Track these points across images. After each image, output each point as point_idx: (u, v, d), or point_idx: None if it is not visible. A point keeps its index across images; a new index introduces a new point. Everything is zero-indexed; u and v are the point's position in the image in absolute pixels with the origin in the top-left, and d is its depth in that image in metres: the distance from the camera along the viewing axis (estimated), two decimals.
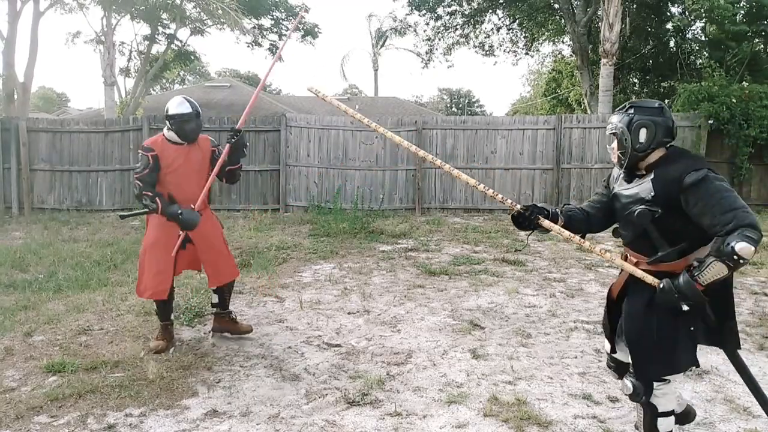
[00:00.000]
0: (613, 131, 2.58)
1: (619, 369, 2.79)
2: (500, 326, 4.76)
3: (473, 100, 58.00)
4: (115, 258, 7.15)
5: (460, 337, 4.50)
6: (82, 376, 3.72)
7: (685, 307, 2.34)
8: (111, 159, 11.67)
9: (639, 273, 2.49)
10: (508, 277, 6.40)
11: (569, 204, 2.87)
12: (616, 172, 2.71)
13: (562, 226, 2.72)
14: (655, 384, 2.54)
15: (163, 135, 4.29)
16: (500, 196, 2.82)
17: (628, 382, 2.60)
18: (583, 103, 19.20)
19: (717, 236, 2.31)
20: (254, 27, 21.92)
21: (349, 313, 5.13)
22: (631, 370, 2.62)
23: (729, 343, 2.54)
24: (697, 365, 2.58)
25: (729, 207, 2.30)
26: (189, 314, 4.96)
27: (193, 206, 4.13)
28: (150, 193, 4.04)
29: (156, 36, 19.55)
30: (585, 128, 11.55)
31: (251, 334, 4.54)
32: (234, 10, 17.10)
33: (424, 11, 20.38)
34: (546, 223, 2.68)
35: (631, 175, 2.60)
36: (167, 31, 19.93)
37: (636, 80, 20.44)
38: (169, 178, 4.14)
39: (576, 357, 4.09)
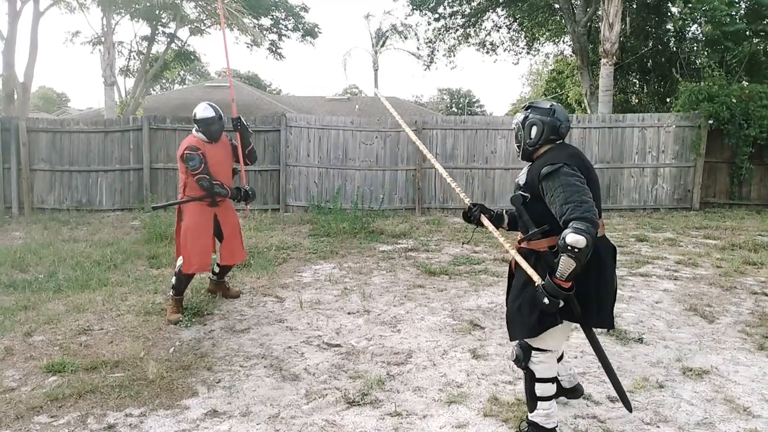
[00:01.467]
0: (514, 126, 3.00)
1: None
2: (500, 326, 4.76)
3: (473, 100, 58.01)
4: (115, 258, 7.15)
5: (460, 337, 4.50)
6: (82, 376, 3.72)
7: (546, 301, 2.58)
8: (111, 159, 11.66)
9: (528, 269, 2.76)
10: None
11: None
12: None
13: (507, 223, 3.17)
14: (534, 353, 2.85)
15: (195, 136, 4.99)
16: (459, 190, 3.20)
17: (512, 350, 2.96)
18: (583, 103, 19.20)
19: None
20: (254, 27, 21.91)
21: (349, 313, 5.13)
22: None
23: (587, 320, 2.81)
24: (557, 324, 2.77)
25: (566, 200, 2.58)
26: (189, 313, 4.96)
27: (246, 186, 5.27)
28: (218, 182, 4.90)
29: (156, 36, 19.55)
30: (585, 128, 11.54)
31: (251, 332, 4.57)
32: (238, 11, 17.11)
33: (425, 11, 20.37)
34: (485, 221, 3.05)
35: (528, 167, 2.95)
36: (167, 31, 19.94)
37: (636, 80, 20.42)
38: (209, 170, 4.90)
39: (576, 357, 4.09)
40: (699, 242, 8.32)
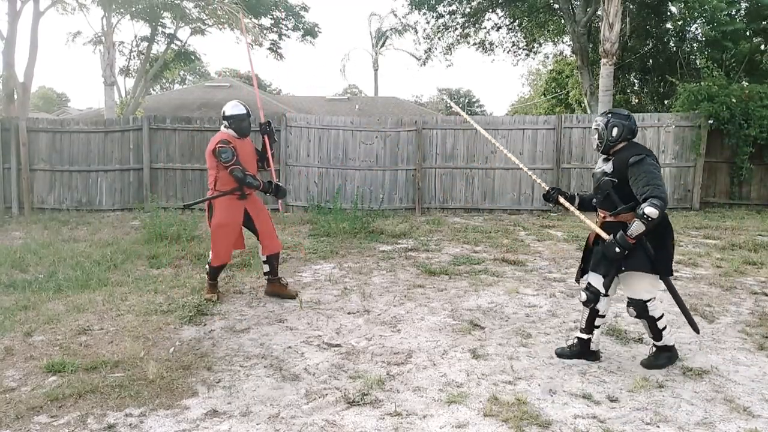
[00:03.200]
0: (596, 127, 3.88)
1: (593, 299, 3.93)
2: (500, 326, 4.76)
3: (473, 99, 58.01)
4: (115, 258, 7.15)
5: (460, 337, 4.50)
6: (82, 376, 3.72)
7: (618, 249, 3.58)
8: (111, 159, 11.67)
9: (599, 231, 3.76)
10: (508, 277, 6.40)
11: (585, 192, 4.39)
12: (598, 160, 3.99)
13: (578, 204, 4.08)
14: (647, 304, 3.76)
15: (226, 132, 5.24)
16: (534, 176, 4.38)
17: (632, 310, 3.81)
18: (583, 103, 19.20)
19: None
20: (254, 26, 21.90)
21: (349, 313, 5.13)
22: (628, 299, 3.84)
23: (661, 269, 3.70)
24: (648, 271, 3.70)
25: (648, 182, 3.52)
26: (190, 312, 4.96)
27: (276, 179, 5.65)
28: (250, 173, 5.18)
29: (156, 36, 19.54)
30: (585, 128, 11.53)
31: (251, 332, 4.57)
32: (237, 12, 17.09)
33: (424, 10, 20.36)
34: (562, 200, 4.04)
35: (605, 159, 3.88)
36: (167, 31, 19.93)
37: (636, 80, 20.42)
38: (239, 159, 5.15)
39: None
40: (699, 242, 8.32)
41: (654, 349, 3.90)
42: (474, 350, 4.20)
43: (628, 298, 3.81)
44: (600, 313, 3.91)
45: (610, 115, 3.84)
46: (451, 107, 5.27)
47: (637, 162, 3.58)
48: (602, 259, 3.77)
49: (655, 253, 3.63)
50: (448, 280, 6.26)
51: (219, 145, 5.06)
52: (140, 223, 9.63)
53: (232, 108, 5.29)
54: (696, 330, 3.91)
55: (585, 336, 3.97)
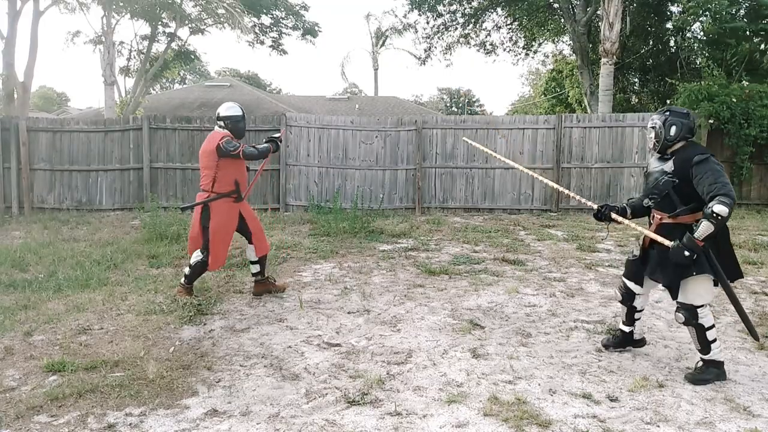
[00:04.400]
0: (653, 125, 3.70)
1: (628, 298, 3.99)
2: (500, 326, 4.76)
3: (473, 99, 57.99)
4: (115, 258, 7.15)
5: (460, 336, 4.50)
6: (82, 376, 3.72)
7: (687, 253, 3.37)
8: (111, 158, 11.66)
9: (660, 239, 3.56)
10: (508, 276, 6.40)
11: (632, 198, 4.14)
12: (651, 160, 3.86)
13: (630, 214, 3.93)
14: (698, 310, 3.56)
15: (222, 132, 5.26)
16: (579, 197, 4.29)
17: (680, 315, 3.62)
18: (584, 103, 19.20)
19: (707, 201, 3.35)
20: (254, 26, 21.90)
21: (349, 313, 5.13)
22: (678, 303, 3.66)
23: (722, 273, 3.49)
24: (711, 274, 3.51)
25: (714, 180, 3.37)
26: (190, 312, 4.96)
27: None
28: (264, 145, 5.39)
29: (156, 35, 19.53)
30: (585, 128, 11.53)
31: (251, 332, 4.57)
32: (235, 9, 17.09)
33: (424, 10, 20.36)
34: (616, 216, 3.88)
35: (660, 159, 3.73)
36: (167, 31, 19.93)
37: (636, 80, 20.43)
38: (236, 165, 5.24)
39: (576, 357, 4.09)
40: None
41: (701, 363, 3.68)
42: (474, 350, 4.20)
43: (678, 302, 3.64)
44: (638, 309, 3.96)
45: (668, 113, 3.67)
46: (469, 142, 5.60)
47: (703, 161, 3.46)
48: (662, 265, 3.62)
49: (718, 256, 3.49)
50: (448, 280, 6.26)
51: (224, 140, 5.10)
52: (140, 222, 9.62)
53: (228, 109, 5.30)
54: (756, 337, 3.77)
55: (627, 329, 4.06)
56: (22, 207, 11.41)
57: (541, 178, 4.26)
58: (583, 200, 4.05)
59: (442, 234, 9.06)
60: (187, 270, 5.39)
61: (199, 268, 5.32)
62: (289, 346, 4.31)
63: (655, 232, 3.65)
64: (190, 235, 5.44)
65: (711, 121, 11.21)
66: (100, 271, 6.47)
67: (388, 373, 3.79)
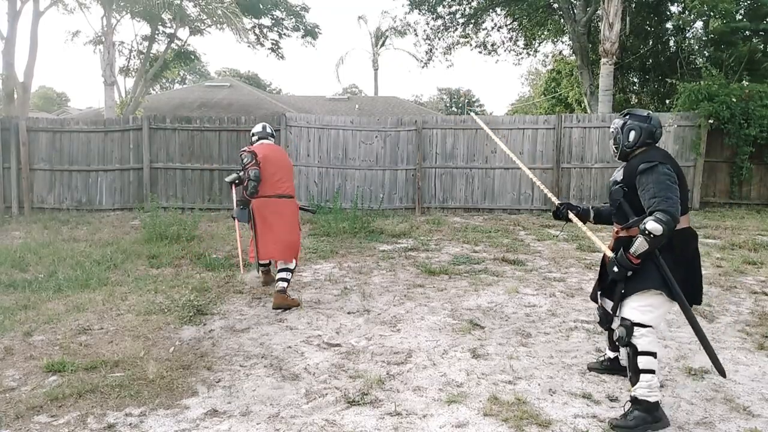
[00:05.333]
0: (612, 130, 3.45)
1: (605, 318, 3.51)
2: (500, 326, 4.76)
3: (473, 99, 57.98)
4: (115, 258, 7.15)
5: (460, 336, 4.50)
6: (82, 376, 3.72)
7: (615, 269, 3.14)
8: (111, 158, 11.67)
9: (602, 246, 3.35)
10: (508, 276, 6.40)
11: (607, 202, 3.63)
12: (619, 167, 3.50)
13: (593, 218, 3.68)
14: (636, 328, 3.13)
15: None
16: (547, 190, 3.94)
17: (617, 331, 3.22)
18: (583, 103, 19.20)
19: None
20: (254, 26, 21.88)
21: (349, 313, 5.13)
22: (617, 317, 3.29)
23: (678, 292, 3.12)
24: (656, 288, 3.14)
25: (654, 194, 3.03)
26: (190, 312, 4.96)
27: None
28: (256, 175, 5.43)
29: (156, 35, 19.52)
30: (585, 128, 11.54)
31: (251, 332, 4.58)
32: (233, 13, 17.09)
33: (424, 10, 20.35)
34: (572, 217, 3.60)
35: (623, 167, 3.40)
36: (167, 31, 19.92)
37: (636, 80, 20.43)
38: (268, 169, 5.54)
39: (576, 357, 4.09)
40: (699, 242, 8.31)
41: (628, 404, 3.14)
42: (474, 350, 4.20)
43: (621, 316, 3.23)
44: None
45: (627, 117, 3.38)
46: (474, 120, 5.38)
47: (647, 170, 3.10)
48: (610, 280, 3.30)
49: (681, 277, 3.12)
50: (448, 280, 6.26)
51: (241, 151, 5.57)
52: (140, 222, 9.62)
53: (260, 129, 5.92)
54: (722, 374, 3.14)
55: (612, 354, 3.71)
56: (22, 207, 11.41)
57: (535, 179, 4.07)
58: (550, 194, 3.86)
59: (442, 234, 9.06)
60: (288, 275, 5.39)
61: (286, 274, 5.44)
62: (289, 346, 4.31)
63: (613, 244, 3.35)
64: (290, 240, 5.43)
65: (711, 121, 11.21)
66: (100, 271, 6.47)
67: (388, 373, 3.79)
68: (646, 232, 2.96)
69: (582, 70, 18.04)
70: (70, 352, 4.15)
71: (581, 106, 20.79)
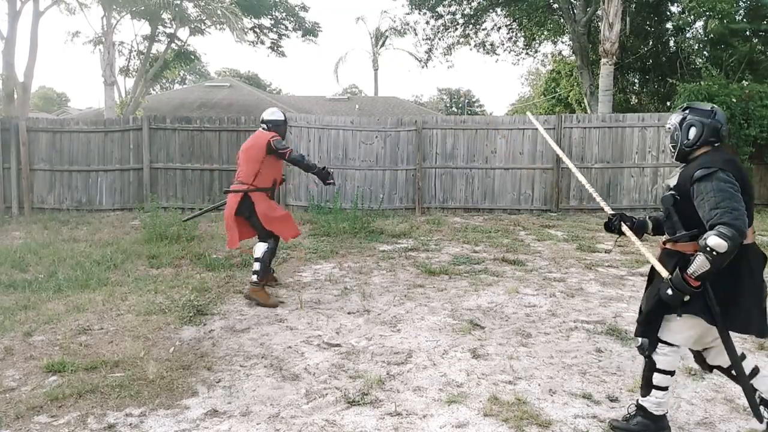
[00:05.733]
0: (669, 127, 2.99)
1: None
2: (500, 326, 4.76)
3: (473, 99, 57.99)
4: (115, 258, 7.15)
5: (460, 336, 4.50)
6: (82, 376, 3.72)
7: (670, 292, 2.68)
8: (111, 159, 11.66)
9: (656, 264, 2.86)
10: (508, 276, 6.40)
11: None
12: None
13: (651, 229, 3.16)
14: (659, 344, 2.87)
15: (271, 133, 5.56)
16: (599, 198, 3.42)
17: (639, 339, 2.97)
18: (583, 103, 19.20)
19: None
20: (253, 27, 21.89)
21: (349, 313, 5.13)
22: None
23: (723, 323, 2.72)
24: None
25: (716, 204, 2.60)
26: (190, 312, 4.96)
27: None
28: (313, 162, 5.73)
29: (156, 35, 19.52)
30: (585, 128, 11.54)
31: (251, 332, 4.58)
32: (233, 13, 17.10)
33: (424, 10, 20.36)
34: (626, 230, 3.10)
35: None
36: (167, 31, 19.92)
37: (636, 80, 20.43)
38: (278, 165, 5.65)
39: (576, 357, 4.09)
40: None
41: (633, 406, 3.05)
42: (474, 350, 4.20)
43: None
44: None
45: (687, 111, 2.93)
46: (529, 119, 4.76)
47: (705, 176, 2.68)
48: (655, 301, 2.84)
49: (731, 302, 2.70)
50: (448, 280, 6.26)
51: (275, 138, 5.44)
52: (140, 223, 9.62)
53: (272, 114, 5.72)
54: (759, 419, 2.86)
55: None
56: (22, 207, 11.41)
57: (587, 184, 3.55)
58: (604, 204, 3.32)
59: (442, 234, 9.06)
60: (256, 266, 5.44)
61: (269, 255, 5.50)
62: (289, 347, 4.31)
63: (658, 257, 2.94)
64: (226, 225, 5.57)
65: None
66: (100, 272, 6.47)
67: (388, 374, 3.79)
68: (708, 248, 2.53)
69: (582, 70, 18.04)
70: (70, 352, 4.15)
71: (581, 107, 20.79)
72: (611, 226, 3.16)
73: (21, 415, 3.24)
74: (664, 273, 2.76)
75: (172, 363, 3.94)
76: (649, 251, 2.92)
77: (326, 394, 3.50)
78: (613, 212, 3.17)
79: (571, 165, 3.65)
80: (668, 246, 2.92)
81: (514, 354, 4.13)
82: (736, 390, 3.53)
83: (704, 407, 3.32)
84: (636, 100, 20.21)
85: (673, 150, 3.00)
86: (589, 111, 17.42)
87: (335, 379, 3.72)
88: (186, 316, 4.92)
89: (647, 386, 2.96)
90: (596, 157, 11.49)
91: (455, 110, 55.61)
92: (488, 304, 5.35)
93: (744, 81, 13.32)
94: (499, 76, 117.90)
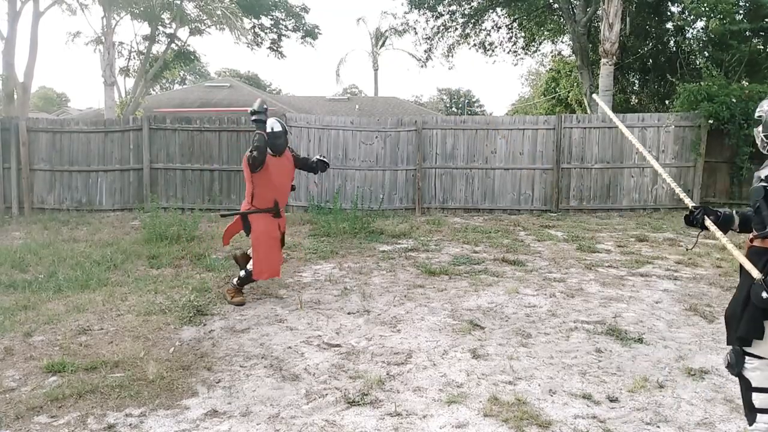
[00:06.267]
0: (759, 115, 2.66)
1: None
2: (500, 326, 4.76)
3: (473, 100, 57.99)
4: (115, 258, 7.15)
5: (460, 337, 4.50)
6: (82, 376, 3.72)
7: (765, 295, 2.33)
8: (111, 159, 11.66)
9: (747, 264, 2.54)
10: (508, 277, 6.40)
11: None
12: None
13: (738, 225, 2.85)
14: (747, 359, 2.55)
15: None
16: (679, 189, 3.01)
17: (726, 355, 2.66)
18: (583, 103, 19.20)
19: None
20: (253, 27, 21.88)
21: (349, 313, 5.13)
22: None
23: None
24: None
25: None
26: (190, 312, 4.96)
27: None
28: (262, 151, 5.05)
29: (156, 36, 19.52)
30: (585, 128, 11.54)
31: (251, 332, 4.57)
32: (233, 13, 17.10)
33: (424, 10, 20.36)
34: (709, 224, 2.76)
35: None
36: (167, 31, 19.92)
37: (636, 80, 20.41)
38: (273, 183, 5.23)
39: (576, 357, 4.09)
40: (699, 242, 8.32)
41: None
42: (474, 350, 4.20)
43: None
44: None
45: None
46: (596, 103, 3.86)
47: None
48: (744, 305, 2.55)
49: None
50: (448, 280, 6.26)
51: (250, 151, 5.09)
52: (140, 223, 9.62)
53: (270, 125, 5.24)
54: None
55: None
56: (22, 207, 11.41)
57: (668, 178, 3.17)
58: (684, 196, 2.97)
59: (442, 234, 9.06)
60: (242, 273, 5.43)
61: (246, 278, 5.38)
62: (289, 347, 4.31)
63: (746, 254, 2.67)
64: (227, 228, 5.51)
65: (711, 122, 11.21)
66: (100, 272, 6.47)
67: (388, 374, 3.79)
68: None
69: (582, 71, 18.04)
70: (70, 352, 4.15)
71: (581, 107, 20.78)
72: (693, 220, 2.81)
73: (21, 415, 3.25)
74: (756, 273, 2.44)
75: (172, 363, 3.94)
76: (737, 250, 2.65)
77: (326, 395, 3.50)
78: (695, 205, 2.83)
79: (648, 156, 3.23)
80: (756, 243, 2.65)
81: (514, 354, 4.13)
82: (736, 390, 3.53)
83: (704, 407, 3.32)
84: (636, 100, 20.19)
85: (765, 139, 2.68)
86: (589, 111, 17.42)
87: (335, 380, 3.72)
88: (186, 316, 4.92)
89: (750, 411, 2.59)
90: (596, 157, 11.49)
91: (455, 110, 55.61)
92: (488, 305, 5.35)
93: (744, 81, 13.31)
94: (499, 76, 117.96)
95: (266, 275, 5.34)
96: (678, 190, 3.03)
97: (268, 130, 5.17)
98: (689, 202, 2.84)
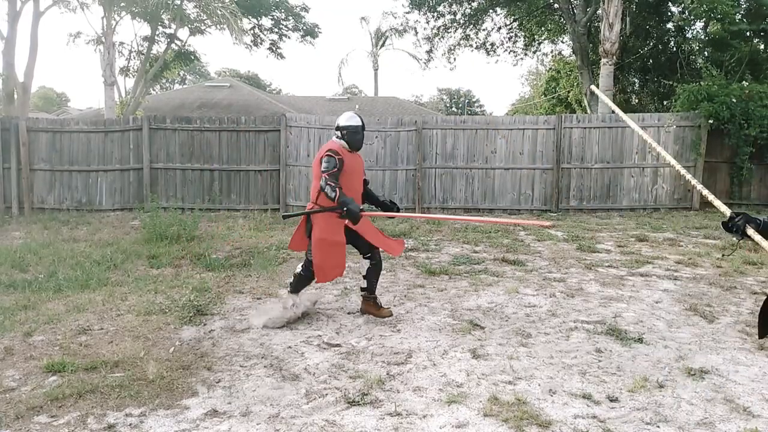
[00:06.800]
0: None
1: None
2: (500, 326, 4.76)
3: (473, 99, 57.98)
4: (115, 258, 7.15)
5: (460, 336, 4.50)
6: (82, 376, 3.72)
7: None
8: (111, 159, 11.67)
9: None
10: (508, 276, 6.40)
11: None
12: None
13: None
14: None
15: (338, 143, 4.86)
16: (712, 197, 2.89)
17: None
18: (583, 103, 19.19)
19: None
20: (253, 27, 21.88)
21: (349, 313, 5.13)
22: None
23: None
24: None
25: None
26: (190, 312, 4.96)
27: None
28: (332, 184, 4.55)
29: (156, 36, 19.52)
30: (585, 128, 11.54)
31: (251, 332, 4.57)
32: (233, 13, 17.10)
33: (424, 10, 20.36)
34: (752, 233, 2.61)
35: None
36: (167, 31, 19.92)
37: (636, 80, 20.41)
38: (345, 178, 4.73)
39: (576, 357, 4.09)
40: (699, 242, 8.32)
41: None
42: (474, 350, 4.19)
43: None
44: None
45: None
46: (595, 94, 3.40)
47: None
48: None
49: None
50: (448, 280, 6.26)
51: (327, 154, 4.69)
52: (140, 223, 9.62)
53: (348, 119, 4.91)
54: None
55: None
56: (22, 207, 11.42)
57: (687, 174, 3.11)
58: (717, 203, 2.86)
59: (442, 234, 9.06)
60: (364, 283, 5.09)
61: (304, 280, 5.03)
62: (289, 347, 4.31)
63: None
64: (293, 236, 5.11)
65: (711, 122, 11.21)
66: (100, 272, 6.47)
67: (388, 374, 3.79)
68: None
69: (582, 71, 18.04)
70: (70, 352, 4.15)
71: (581, 107, 20.78)
72: (733, 227, 2.66)
73: (21, 415, 3.24)
74: None
75: (172, 363, 3.94)
76: None
77: (326, 394, 3.50)
78: (734, 213, 2.71)
79: (671, 160, 3.21)
80: None
81: (514, 354, 4.13)
82: (736, 390, 3.53)
83: (704, 407, 3.32)
84: (636, 100, 20.19)
85: None
86: (589, 111, 17.42)
87: (335, 379, 3.72)
88: (186, 316, 4.92)
89: None
90: (596, 157, 11.49)
91: (455, 110, 55.59)
92: (488, 304, 5.35)
93: (744, 81, 13.29)
94: (499, 76, 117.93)
95: (330, 278, 4.98)
96: (705, 192, 2.94)
97: (349, 124, 4.84)
98: (726, 210, 2.73)
